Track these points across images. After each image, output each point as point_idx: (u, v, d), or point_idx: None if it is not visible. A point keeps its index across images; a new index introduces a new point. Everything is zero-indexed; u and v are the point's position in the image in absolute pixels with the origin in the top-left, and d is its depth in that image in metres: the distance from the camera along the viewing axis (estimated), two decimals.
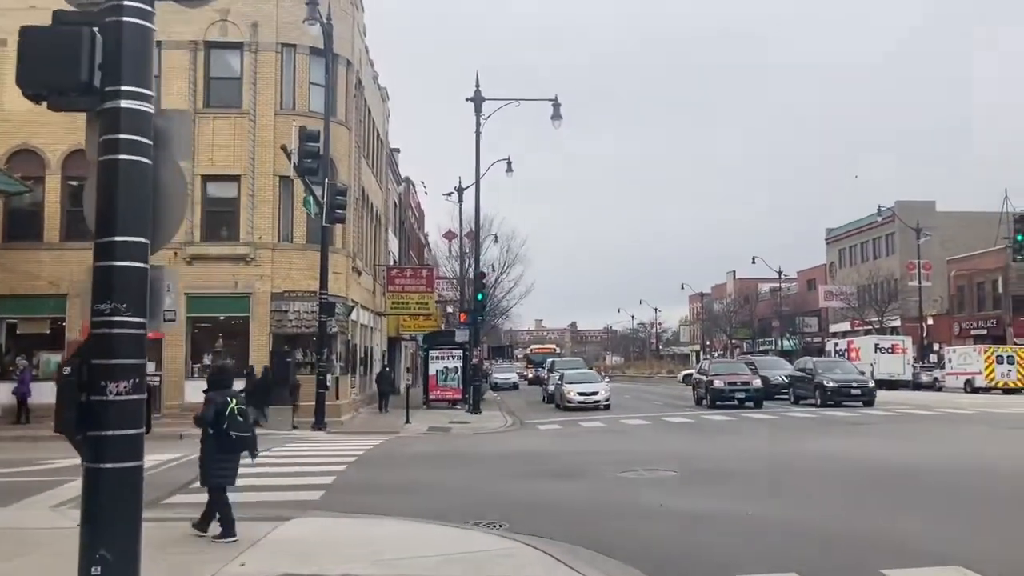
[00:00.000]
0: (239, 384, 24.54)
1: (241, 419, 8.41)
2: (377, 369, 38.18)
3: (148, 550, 5.33)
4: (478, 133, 31.92)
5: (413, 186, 57.35)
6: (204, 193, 27.45)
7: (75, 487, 12.00)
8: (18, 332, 26.56)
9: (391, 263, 42.54)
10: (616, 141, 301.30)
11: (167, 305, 5.56)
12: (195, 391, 26.29)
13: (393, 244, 45.62)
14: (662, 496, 11.72)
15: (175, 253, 26.74)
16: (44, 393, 23.06)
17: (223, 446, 8.46)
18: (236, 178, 27.39)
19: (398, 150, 50.55)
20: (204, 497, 11.95)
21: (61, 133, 26.51)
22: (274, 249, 27.32)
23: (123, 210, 5.25)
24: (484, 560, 7.78)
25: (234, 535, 8.47)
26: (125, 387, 5.16)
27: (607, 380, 39.26)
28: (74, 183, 27.26)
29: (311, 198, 23.34)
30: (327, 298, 24.80)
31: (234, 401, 8.41)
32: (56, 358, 26.15)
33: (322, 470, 14.57)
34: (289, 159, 22.82)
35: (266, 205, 27.29)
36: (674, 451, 17.61)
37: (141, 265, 5.31)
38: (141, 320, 5.29)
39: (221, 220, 27.82)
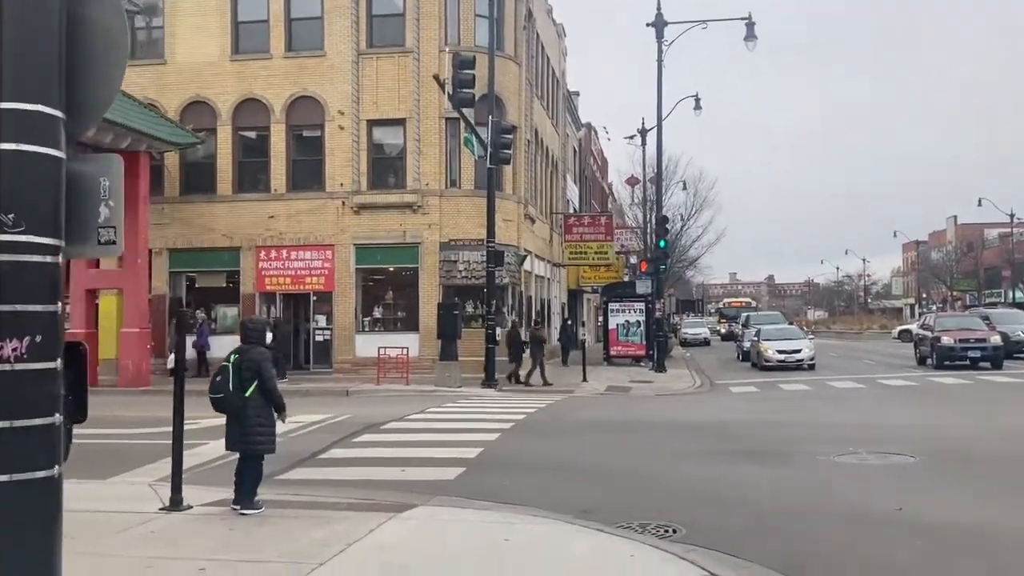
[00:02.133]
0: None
1: (219, 378, 7.62)
2: (557, 323, 36.39)
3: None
4: (660, 62, 28.66)
5: (595, 132, 54.48)
6: (370, 139, 26.29)
7: (196, 454, 10.73)
8: (197, 286, 26.75)
9: (571, 212, 40.21)
10: (818, 76, 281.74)
11: (103, 218, 3.46)
12: (365, 345, 25.52)
13: (573, 193, 43.19)
14: (899, 494, 8.70)
15: (343, 203, 25.87)
16: (223, 346, 22.93)
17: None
18: (401, 122, 25.99)
19: (577, 93, 47.77)
20: (325, 473, 10.36)
21: (232, 82, 26.27)
22: (441, 196, 25.78)
23: (10, 58, 3.18)
24: None
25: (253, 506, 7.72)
26: (15, 350, 3.10)
27: (810, 336, 35.13)
28: (244, 134, 27.03)
29: (472, 136, 21.38)
30: (495, 246, 22.93)
31: (232, 358, 7.64)
32: (232, 312, 26.12)
33: (471, 439, 12.58)
34: (443, 89, 20.90)
35: (432, 149, 25.71)
36: (902, 425, 14.22)
37: (47, 151, 3.20)
38: (49, 241, 3.20)
39: (388, 167, 26.65)
